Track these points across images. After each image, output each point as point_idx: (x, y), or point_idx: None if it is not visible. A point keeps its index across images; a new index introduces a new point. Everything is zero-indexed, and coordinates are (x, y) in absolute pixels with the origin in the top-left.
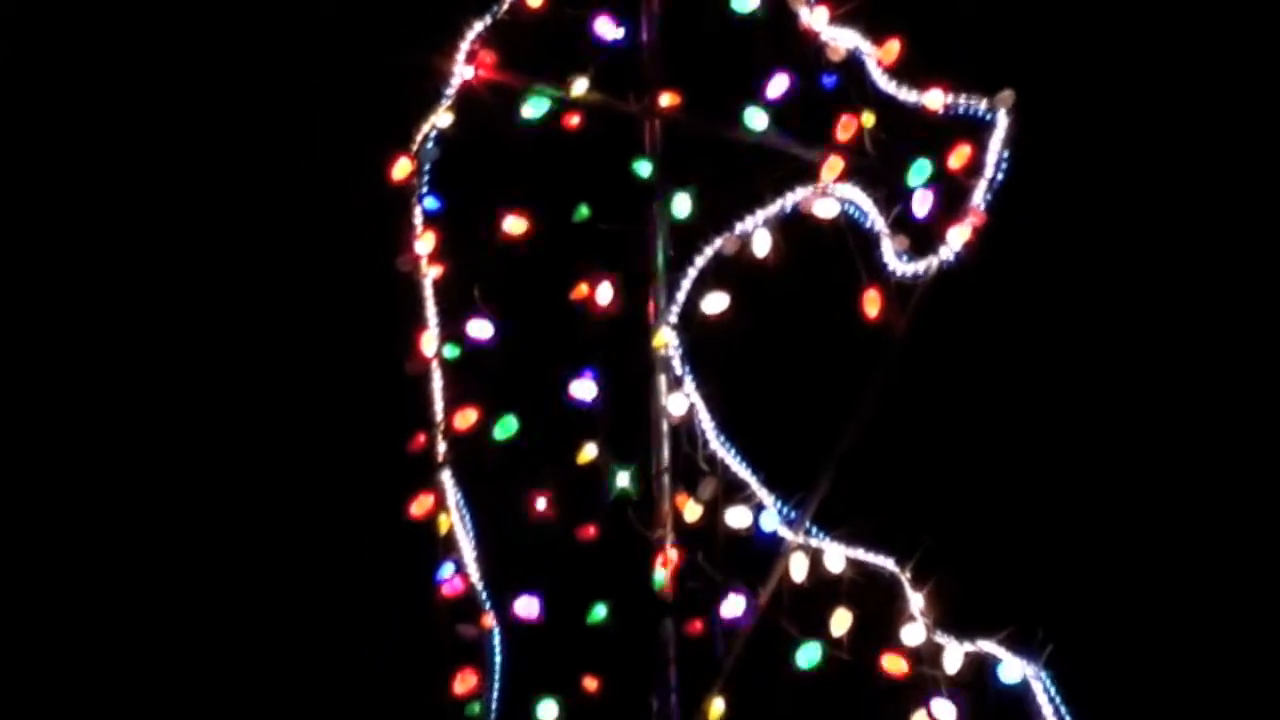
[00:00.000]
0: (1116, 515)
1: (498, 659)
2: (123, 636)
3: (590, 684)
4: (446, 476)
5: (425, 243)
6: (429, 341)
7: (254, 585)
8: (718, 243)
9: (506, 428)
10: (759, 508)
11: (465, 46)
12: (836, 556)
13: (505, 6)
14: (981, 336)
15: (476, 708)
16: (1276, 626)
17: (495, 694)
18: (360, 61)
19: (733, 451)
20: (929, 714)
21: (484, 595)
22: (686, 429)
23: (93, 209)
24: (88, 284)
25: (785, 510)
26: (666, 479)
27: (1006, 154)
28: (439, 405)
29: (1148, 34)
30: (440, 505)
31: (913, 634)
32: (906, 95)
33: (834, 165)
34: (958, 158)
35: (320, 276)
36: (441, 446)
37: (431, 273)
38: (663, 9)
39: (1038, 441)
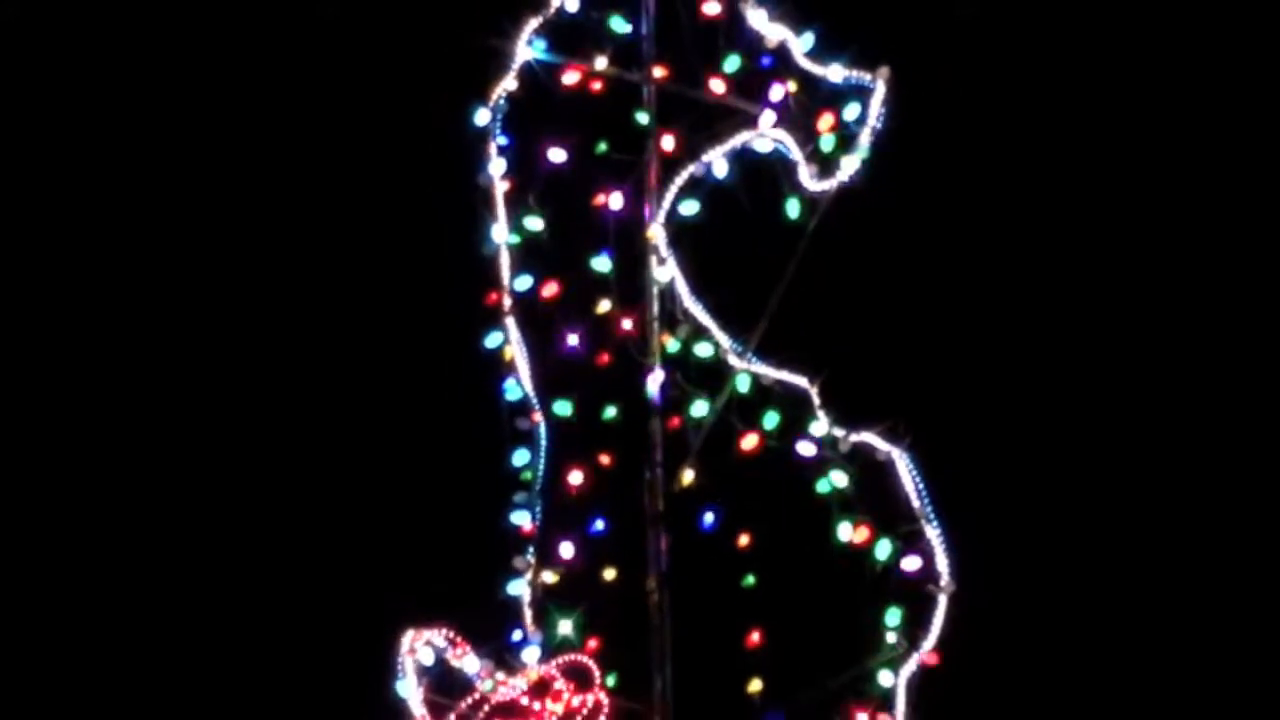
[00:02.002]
0: (969, 343)
1: (543, 443)
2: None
3: (604, 459)
4: (511, 322)
5: (498, 166)
6: (500, 231)
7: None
8: (691, 168)
9: (549, 290)
10: (716, 346)
11: (524, 35)
12: (769, 375)
13: (552, 10)
14: (869, 228)
15: (529, 475)
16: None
17: (541, 467)
18: (458, 44)
19: (700, 306)
20: (831, 481)
21: (534, 400)
22: (669, 291)
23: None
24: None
25: (736, 345)
26: (655, 324)
27: (883, 110)
28: (506, 274)
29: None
30: (506, 340)
31: (818, 428)
32: (817, 70)
33: (768, 117)
34: (851, 112)
35: (417, 188)
36: (507, 302)
37: (502, 186)
38: (656, 12)
39: (908, 298)
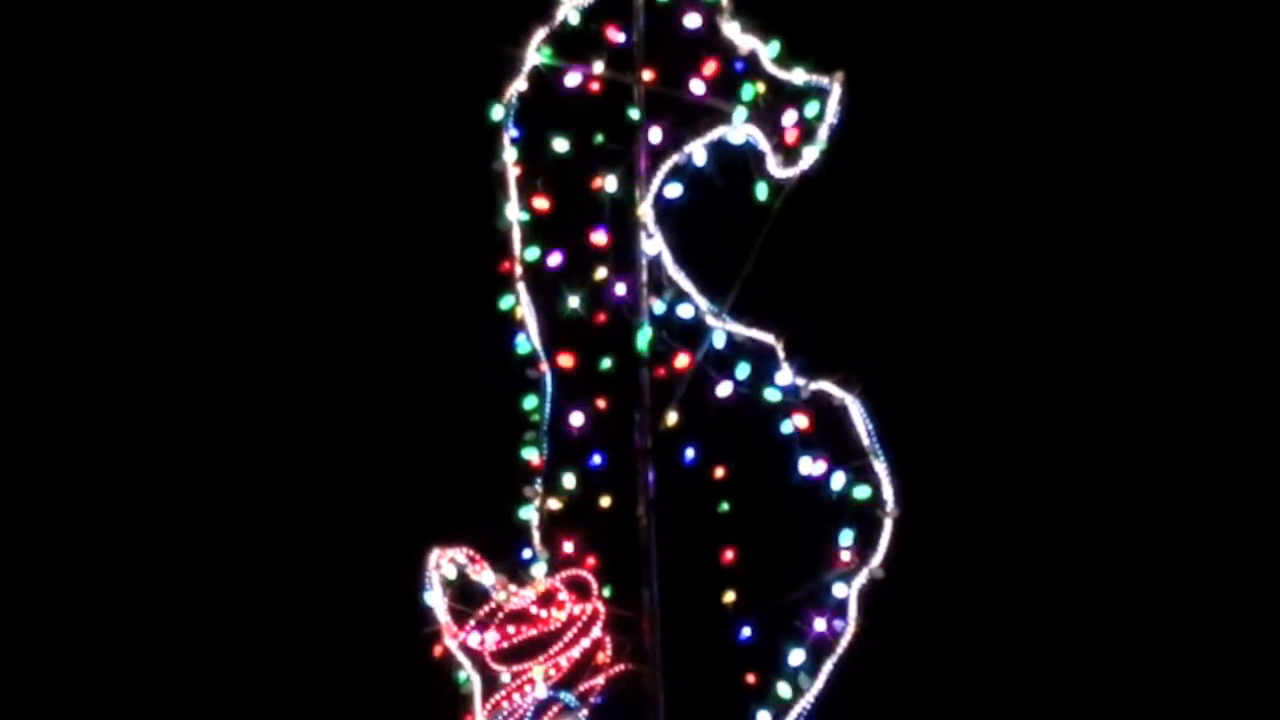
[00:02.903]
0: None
1: (549, 389)
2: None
3: (600, 404)
4: (521, 286)
5: (510, 154)
6: (512, 209)
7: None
8: (674, 157)
9: (554, 259)
10: (696, 308)
11: (533, 43)
12: (740, 332)
13: (557, 22)
14: (827, 208)
15: (537, 416)
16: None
17: (547, 410)
18: (475, 50)
19: (682, 274)
20: (793, 423)
21: (541, 352)
22: (656, 261)
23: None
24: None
25: (712, 307)
26: (644, 289)
27: (839, 108)
28: (517, 245)
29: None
30: (517, 302)
31: (782, 377)
32: (782, 73)
33: (740, 113)
34: (816, 111)
35: (445, 173)
36: (518, 269)
37: (514, 171)
38: (645, 24)
39: (860, 268)
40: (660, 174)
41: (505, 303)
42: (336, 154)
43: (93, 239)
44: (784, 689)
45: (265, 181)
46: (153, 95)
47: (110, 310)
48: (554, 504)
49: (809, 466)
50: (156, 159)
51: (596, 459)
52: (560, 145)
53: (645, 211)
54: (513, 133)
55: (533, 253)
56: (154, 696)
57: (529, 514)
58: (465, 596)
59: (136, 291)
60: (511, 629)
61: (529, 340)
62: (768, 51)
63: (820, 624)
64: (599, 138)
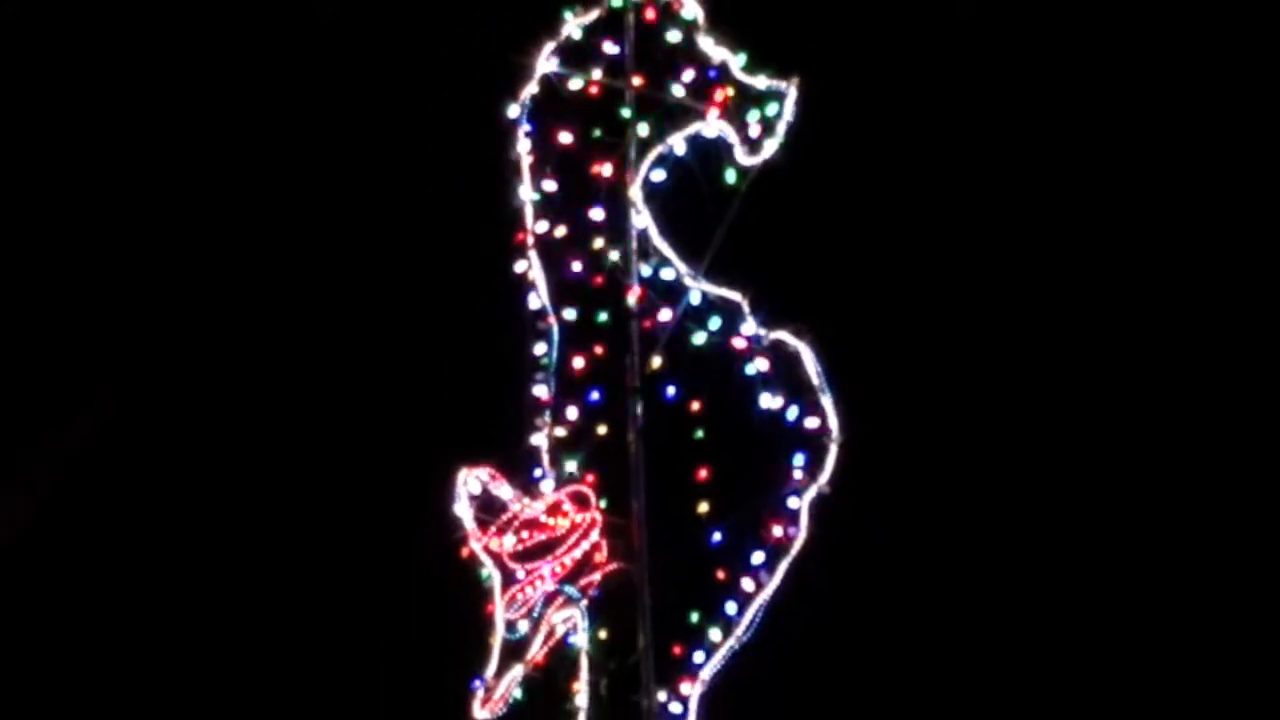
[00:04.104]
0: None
1: (555, 338)
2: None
3: (598, 350)
4: (533, 254)
5: (524, 145)
6: (525, 190)
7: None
8: (659, 147)
9: (560, 231)
10: (676, 271)
11: (543, 54)
12: (713, 291)
13: (563, 36)
14: (786, 191)
15: (546, 361)
16: None
17: (554, 355)
18: (493, 56)
19: (665, 243)
20: (756, 366)
21: (549, 308)
22: (644, 233)
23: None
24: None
25: (690, 270)
26: (634, 255)
27: (795, 109)
28: (529, 220)
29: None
30: (529, 266)
31: (747, 328)
32: (748, 79)
33: (714, 113)
34: (775, 110)
35: (470, 160)
36: (530, 239)
37: (527, 159)
38: (635, 39)
39: (812, 237)
40: (647, 161)
41: (519, 266)
42: (387, 148)
43: (93, 239)
44: (747, 583)
45: (321, 159)
46: (176, 83)
47: (137, 283)
48: (560, 432)
49: (769, 401)
50: (187, 133)
51: (594, 395)
52: (565, 138)
53: (635, 193)
54: (526, 127)
55: (542, 226)
56: (232, 586)
57: (539, 440)
58: (487, 508)
59: (170, 255)
60: (525, 534)
61: (539, 298)
62: (736, 61)
63: (778, 530)
64: (596, 132)
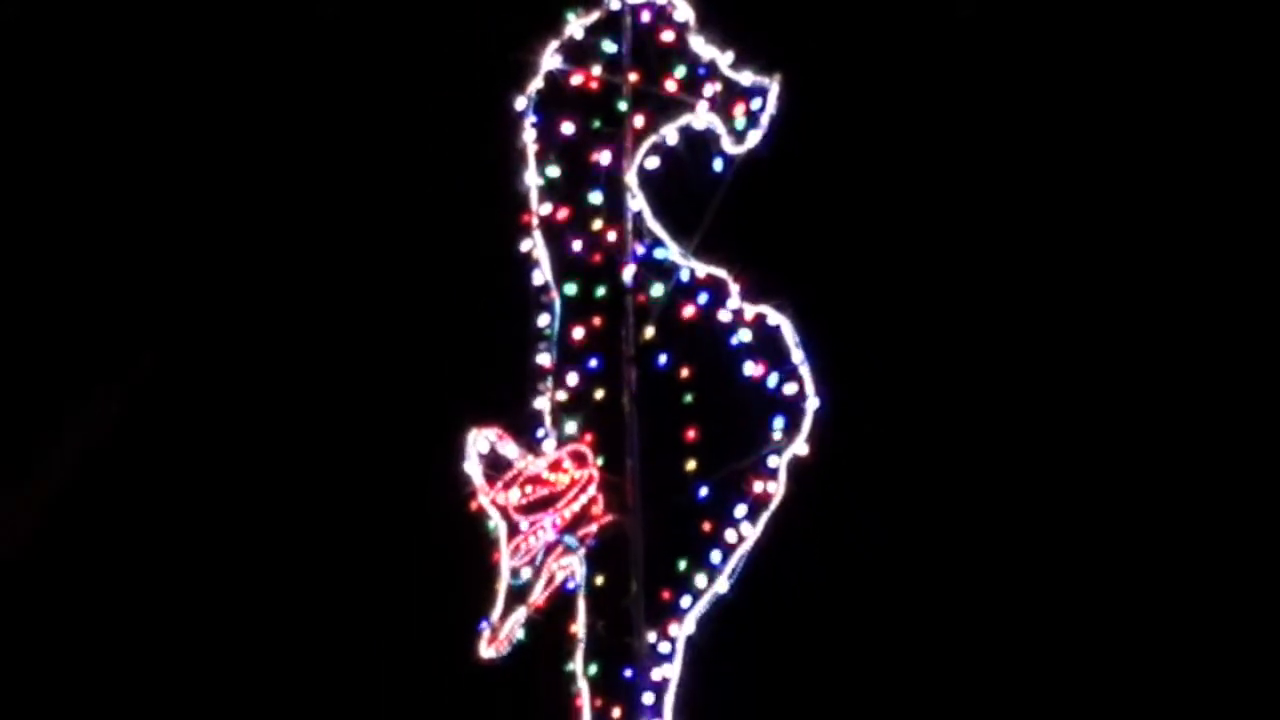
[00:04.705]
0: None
1: (558, 309)
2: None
3: (596, 321)
4: (537, 234)
5: (530, 134)
6: (532, 174)
7: None
8: (653, 137)
9: (562, 213)
10: (668, 250)
11: (548, 52)
12: (702, 269)
13: (566, 36)
14: (771, 177)
15: (549, 331)
16: None
17: (556, 326)
18: (503, 54)
19: (658, 224)
20: (740, 336)
21: (552, 282)
22: (638, 215)
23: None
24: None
25: (681, 250)
26: (630, 235)
27: (777, 100)
28: (534, 203)
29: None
30: (534, 245)
31: (732, 303)
32: (735, 75)
33: (703, 106)
34: (759, 104)
35: (482, 148)
36: (535, 220)
37: (533, 147)
38: (632, 39)
39: (792, 222)
40: (642, 150)
41: (525, 245)
42: (406, 136)
43: (93, 238)
44: (730, 535)
45: (344, 144)
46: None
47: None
48: (561, 396)
49: (751, 369)
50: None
51: (593, 362)
52: (567, 128)
53: (631, 179)
54: (532, 118)
55: (545, 208)
56: (245, 541)
57: (542, 403)
58: (494, 465)
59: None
60: (528, 489)
61: (543, 274)
62: (724, 59)
63: (758, 486)
64: (596, 123)
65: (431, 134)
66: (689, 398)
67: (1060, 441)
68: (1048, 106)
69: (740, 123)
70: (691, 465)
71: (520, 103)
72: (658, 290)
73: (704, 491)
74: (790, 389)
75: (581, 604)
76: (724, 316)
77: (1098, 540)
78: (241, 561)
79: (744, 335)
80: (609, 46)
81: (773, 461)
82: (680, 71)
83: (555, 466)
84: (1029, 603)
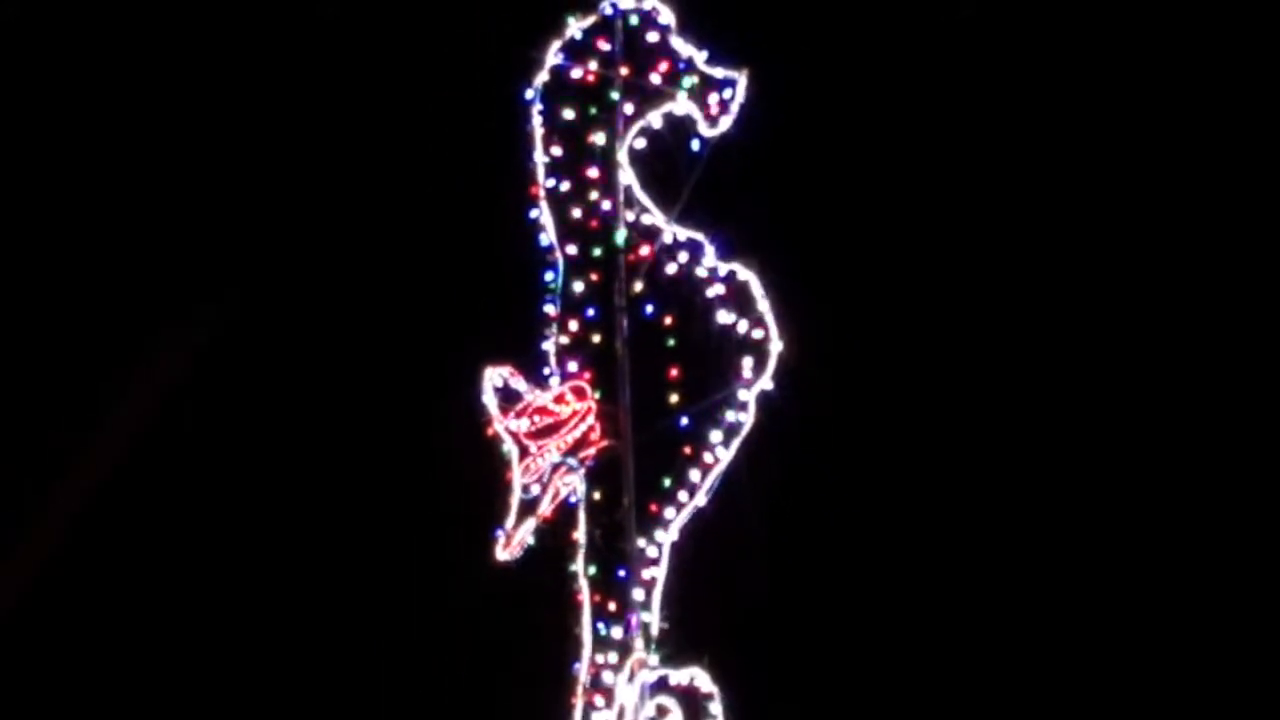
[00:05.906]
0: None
1: (561, 266)
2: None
3: (594, 276)
4: (543, 204)
5: (536, 119)
6: (538, 154)
7: None
8: (640, 121)
9: (565, 186)
10: (653, 217)
11: (551, 49)
12: (683, 232)
13: (566, 36)
14: (733, 154)
15: (554, 285)
16: None
17: (560, 279)
18: (509, 50)
19: (645, 195)
20: (715, 290)
21: (556, 243)
22: (628, 187)
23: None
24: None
25: (665, 217)
26: (621, 204)
27: (745, 92)
28: (540, 177)
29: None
30: (540, 213)
31: (709, 260)
32: (709, 70)
33: (683, 96)
34: (729, 93)
35: (495, 132)
36: (541, 192)
37: (539, 131)
38: (623, 38)
39: (768, 190)
40: (632, 132)
41: (533, 213)
42: (436, 123)
43: (95, 236)
44: (708, 457)
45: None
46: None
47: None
48: (564, 340)
49: (725, 317)
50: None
51: (590, 312)
52: (568, 114)
53: (621, 157)
54: (539, 106)
55: (550, 182)
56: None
57: (548, 346)
58: (507, 397)
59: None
60: (536, 418)
61: (548, 237)
62: (701, 56)
63: (731, 416)
64: (592, 110)
65: (459, 122)
66: (672, 341)
67: (1028, 408)
68: (1048, 107)
69: (714, 109)
70: (674, 398)
71: (529, 93)
72: (645, 250)
73: (685, 421)
74: (758, 334)
75: (582, 515)
76: (701, 272)
77: (1080, 516)
78: (281, 485)
79: (718, 288)
80: (603, 45)
81: (743, 395)
82: (664, 66)
83: (559, 399)
84: (994, 559)
